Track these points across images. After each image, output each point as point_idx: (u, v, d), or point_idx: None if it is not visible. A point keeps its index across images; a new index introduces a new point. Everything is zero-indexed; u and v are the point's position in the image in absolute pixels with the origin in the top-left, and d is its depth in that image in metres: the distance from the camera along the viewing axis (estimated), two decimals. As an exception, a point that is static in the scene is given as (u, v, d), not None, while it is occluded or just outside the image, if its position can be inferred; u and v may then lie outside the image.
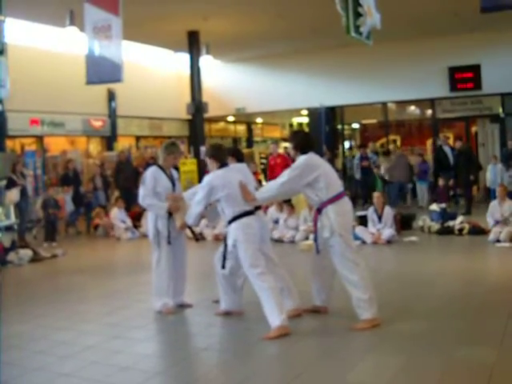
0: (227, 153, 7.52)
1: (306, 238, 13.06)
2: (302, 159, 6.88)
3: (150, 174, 7.90)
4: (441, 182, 17.17)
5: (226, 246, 6.96)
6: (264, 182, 19.45)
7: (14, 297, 9.52)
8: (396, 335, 6.40)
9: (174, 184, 8.02)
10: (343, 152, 24.73)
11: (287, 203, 13.98)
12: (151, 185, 7.84)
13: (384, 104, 23.54)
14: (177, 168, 19.02)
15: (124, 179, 17.81)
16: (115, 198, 17.20)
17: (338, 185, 6.92)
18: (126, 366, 5.86)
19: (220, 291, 7.43)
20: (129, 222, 15.98)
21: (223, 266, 7.06)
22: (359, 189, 21.40)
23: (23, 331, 7.28)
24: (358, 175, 20.95)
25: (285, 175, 6.80)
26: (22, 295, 9.54)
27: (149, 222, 8.07)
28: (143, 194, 7.85)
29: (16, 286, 10.57)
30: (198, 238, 8.39)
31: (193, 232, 8.31)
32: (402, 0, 16.12)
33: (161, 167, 8.01)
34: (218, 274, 7.29)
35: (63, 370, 5.83)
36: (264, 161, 25.16)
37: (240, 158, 7.83)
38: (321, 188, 6.74)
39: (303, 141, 7.04)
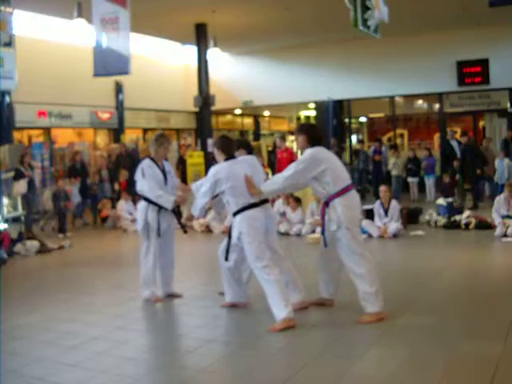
0: (236, 145, 7.53)
1: (313, 231, 13.07)
2: (308, 152, 6.87)
3: (147, 167, 7.97)
4: (445, 177, 17.13)
5: (230, 238, 6.97)
6: (271, 175, 19.44)
7: (21, 288, 9.58)
8: (401, 329, 6.41)
9: (165, 176, 8.09)
10: (350, 145, 24.69)
11: (293, 197, 13.98)
12: (152, 176, 7.92)
13: (391, 98, 23.50)
14: (183, 161, 19.15)
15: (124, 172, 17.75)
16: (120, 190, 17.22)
17: (345, 178, 6.90)
18: (132, 357, 5.88)
19: (224, 284, 7.45)
20: (135, 214, 15.97)
21: (227, 259, 7.07)
22: (368, 182, 21.43)
23: (30, 322, 7.31)
24: (370, 168, 20.96)
25: (291, 168, 6.78)
26: (28, 286, 9.58)
27: (139, 214, 8.15)
28: (149, 186, 7.88)
29: (23, 277, 10.62)
30: (186, 230, 8.42)
31: (181, 223, 8.33)
32: (410, -7, 16.10)
33: (153, 160, 8.07)
34: (222, 266, 7.31)
35: (69, 360, 5.86)
36: (271, 154, 25.14)
37: (250, 150, 7.84)
38: (328, 181, 6.72)
39: (311, 134, 7.03)
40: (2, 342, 6.46)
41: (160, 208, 7.90)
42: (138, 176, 8.04)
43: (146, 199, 7.99)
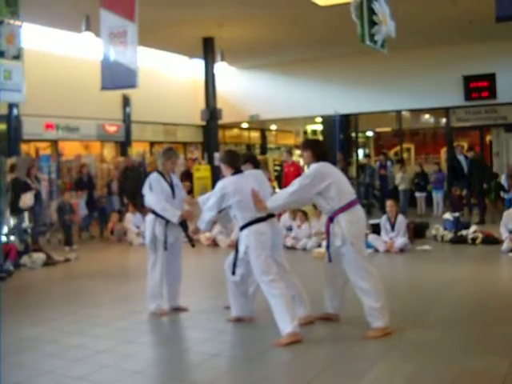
0: (242, 159, 7.55)
1: (319, 246, 13.06)
2: (312, 168, 6.87)
3: (155, 180, 8.04)
4: (455, 190, 17.12)
5: (237, 252, 6.98)
6: (277, 190, 19.45)
7: (27, 300, 9.58)
8: (407, 344, 6.39)
9: (173, 190, 8.15)
10: (357, 160, 24.68)
11: (300, 211, 13.98)
12: (159, 190, 7.98)
13: (398, 112, 23.52)
14: (189, 174, 19.16)
15: (130, 185, 17.76)
16: (127, 204, 17.23)
17: (349, 193, 6.90)
18: (138, 371, 5.87)
19: (230, 298, 7.44)
20: (143, 227, 16.00)
21: (233, 273, 7.07)
22: (375, 197, 21.37)
23: (35, 334, 7.31)
24: (377, 183, 20.88)
25: (295, 184, 6.78)
26: (34, 299, 9.59)
27: (146, 227, 8.21)
28: (156, 199, 7.94)
29: (29, 289, 10.62)
30: (194, 244, 8.45)
31: (188, 237, 8.34)
32: (416, 8, 16.13)
33: (160, 173, 8.14)
34: (228, 280, 7.30)
35: (75, 373, 5.85)
36: (278, 168, 25.17)
37: (256, 164, 7.85)
38: (332, 196, 6.72)
39: (316, 149, 7.03)
40: (8, 354, 6.45)
41: (167, 221, 7.95)
42: (145, 189, 8.08)
43: (154, 212, 8.03)
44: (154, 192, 7.97)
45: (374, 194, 21.46)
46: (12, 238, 12.60)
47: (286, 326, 6.44)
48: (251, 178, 7.17)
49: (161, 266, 8.05)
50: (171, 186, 8.15)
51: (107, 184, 18.47)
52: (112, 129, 21.71)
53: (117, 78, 10.83)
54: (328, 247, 6.95)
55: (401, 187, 20.05)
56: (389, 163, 21.15)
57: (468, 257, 12.31)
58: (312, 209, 13.65)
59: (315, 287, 8.03)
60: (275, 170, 25.45)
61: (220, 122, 21.14)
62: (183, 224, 8.16)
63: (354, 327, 6.96)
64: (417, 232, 14.17)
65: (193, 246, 8.43)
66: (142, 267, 8.46)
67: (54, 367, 6.06)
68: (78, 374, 5.81)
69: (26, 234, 13.48)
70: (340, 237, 6.65)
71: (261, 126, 29.72)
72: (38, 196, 14.91)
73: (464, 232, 13.60)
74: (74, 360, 6.27)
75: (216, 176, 17.94)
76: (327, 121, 24.28)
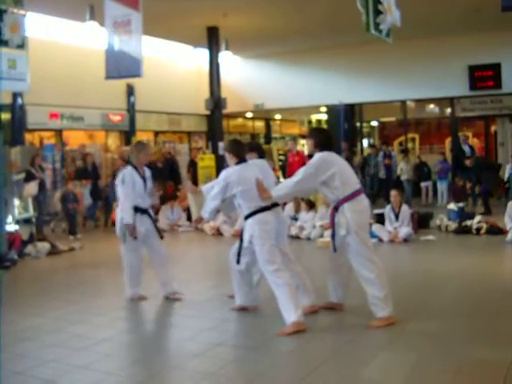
0: (247, 148, 7.54)
1: (321, 236, 13.04)
2: (317, 157, 6.85)
3: (128, 174, 8.25)
4: (458, 180, 17.08)
5: (241, 241, 6.97)
6: (282, 179, 19.42)
7: (31, 289, 9.61)
8: (411, 334, 6.39)
9: (145, 183, 8.39)
10: (361, 150, 24.65)
11: (305, 200, 13.97)
12: (131, 184, 8.19)
13: (403, 102, 23.46)
14: (194, 164, 19.12)
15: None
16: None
17: (354, 182, 6.88)
18: (141, 360, 5.89)
19: (235, 287, 7.44)
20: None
21: (238, 262, 7.07)
22: (378, 187, 21.30)
23: (39, 323, 7.33)
24: (382, 173, 20.81)
25: (300, 173, 6.76)
26: (38, 288, 9.61)
27: (116, 218, 8.46)
28: (125, 193, 8.17)
29: (33, 278, 10.65)
30: (163, 235, 8.61)
31: (157, 229, 8.61)
32: (422, -3, 16.07)
33: (134, 167, 8.34)
34: (233, 269, 7.30)
35: (78, 362, 5.86)
36: (282, 157, 25.15)
37: (261, 153, 7.85)
38: (336, 186, 6.70)
39: (320, 138, 7.01)
40: (11, 344, 6.46)
41: (136, 212, 8.19)
42: (118, 181, 8.32)
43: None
44: (125, 186, 8.16)
45: (378, 184, 21.35)
46: (16, 227, 12.61)
47: (290, 315, 6.44)
48: (255, 167, 7.17)
49: (131, 254, 8.31)
50: (144, 178, 8.37)
51: (113, 173, 18.45)
52: (116, 118, 21.69)
53: (121, 67, 10.84)
54: (333, 237, 6.94)
55: (403, 177, 20.01)
56: (393, 153, 21.09)
57: (472, 247, 12.29)
58: (322, 197, 13.61)
59: (319, 277, 8.03)
60: (279, 160, 25.40)
61: (224, 111, 21.08)
62: (151, 215, 8.52)
63: (358, 317, 6.96)
64: (421, 222, 14.14)
65: (161, 237, 8.58)
66: (144, 256, 8.47)
67: (56, 356, 6.07)
68: (81, 363, 5.82)
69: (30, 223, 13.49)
70: (344, 226, 6.64)
71: (265, 116, 29.66)
72: (42, 185, 14.91)
73: (468, 222, 13.57)
74: (76, 349, 6.28)
75: (220, 165, 17.90)
76: (332, 110, 24.21)
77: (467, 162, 17.94)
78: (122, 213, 8.17)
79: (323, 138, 7.02)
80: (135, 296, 8.32)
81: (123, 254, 8.39)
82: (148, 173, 8.57)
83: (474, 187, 17.89)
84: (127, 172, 8.26)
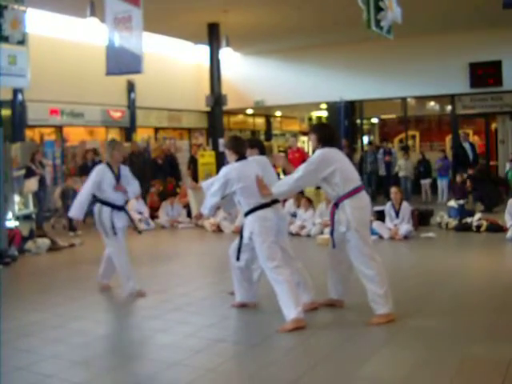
0: (249, 144, 7.54)
1: (321, 233, 13.05)
2: (317, 154, 6.84)
3: (96, 171, 8.44)
4: (458, 178, 17.06)
5: (241, 238, 6.97)
6: (282, 176, 19.43)
7: (31, 285, 9.61)
8: (411, 331, 6.40)
9: (117, 181, 8.51)
10: (362, 147, 24.64)
11: (304, 197, 13.98)
12: (95, 181, 8.35)
13: (403, 99, 23.44)
14: (194, 160, 19.13)
15: (136, 170, 17.73)
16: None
17: (355, 179, 6.88)
18: (141, 356, 5.90)
19: (235, 283, 7.44)
20: (146, 213, 16.04)
21: (238, 258, 7.07)
22: (377, 184, 21.25)
23: (40, 319, 7.33)
24: (382, 170, 20.76)
25: (300, 170, 6.75)
26: (39, 284, 9.61)
27: (95, 215, 8.61)
28: (86, 189, 8.43)
29: (33, 274, 10.65)
30: (140, 231, 8.78)
31: (134, 224, 8.92)
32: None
33: (108, 164, 8.50)
34: (233, 266, 7.30)
35: (79, 357, 5.87)
36: (282, 154, 25.16)
37: (262, 150, 7.85)
38: (337, 183, 6.70)
39: (321, 134, 7.01)
40: (13, 339, 6.48)
41: (113, 208, 8.40)
42: (89, 177, 8.49)
43: (100, 200, 8.48)
44: (90, 181, 8.36)
45: (376, 182, 21.28)
46: (16, 223, 12.62)
47: (291, 311, 6.45)
48: (255, 163, 7.17)
49: (117, 250, 8.44)
50: (118, 177, 8.49)
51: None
52: (117, 114, 21.71)
53: (122, 63, 10.83)
54: (332, 233, 6.94)
55: (401, 174, 19.99)
56: (393, 150, 21.05)
57: (472, 244, 12.30)
58: (322, 194, 13.60)
59: (319, 273, 8.03)
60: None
61: (225, 107, 21.09)
62: (127, 211, 8.70)
63: (358, 313, 6.97)
64: (421, 219, 14.14)
65: (139, 232, 8.82)
66: (145, 253, 8.51)
67: (58, 352, 6.07)
68: (82, 359, 5.83)
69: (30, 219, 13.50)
70: (345, 223, 6.65)
71: (266, 112, 29.69)
72: (42, 181, 14.92)
73: (469, 219, 13.57)
74: (77, 345, 6.29)
75: (221, 162, 17.93)
76: (332, 107, 24.25)
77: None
78: (75, 203, 8.49)
79: (326, 134, 7.02)
80: (134, 290, 8.33)
81: (111, 252, 8.52)
82: (124, 171, 8.69)
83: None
84: (98, 168, 8.48)
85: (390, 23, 8.98)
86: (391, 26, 9.14)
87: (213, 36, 19.95)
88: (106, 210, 8.39)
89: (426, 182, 20.42)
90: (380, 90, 22.73)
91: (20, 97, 17.78)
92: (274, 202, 7.04)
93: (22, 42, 9.70)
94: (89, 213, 17.13)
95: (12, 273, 10.68)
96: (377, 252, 6.86)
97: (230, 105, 21.60)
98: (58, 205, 16.21)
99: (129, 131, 22.07)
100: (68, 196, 15.47)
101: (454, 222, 13.70)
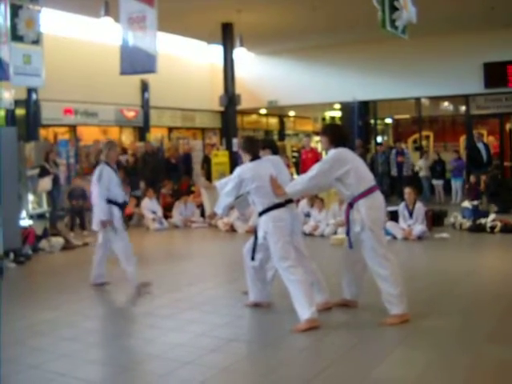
0: (260, 145, 7.54)
1: (335, 233, 13.03)
2: (331, 153, 6.84)
3: (106, 173, 8.65)
4: (472, 179, 17.00)
5: (256, 237, 6.97)
6: (295, 176, 19.41)
7: (45, 284, 9.64)
8: (425, 331, 6.38)
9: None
10: (375, 147, 24.56)
11: (317, 197, 13.96)
12: (107, 182, 8.59)
13: (417, 99, 23.34)
14: (208, 160, 19.14)
15: (151, 170, 17.83)
16: (145, 189, 17.23)
17: (369, 179, 6.86)
18: (156, 355, 5.89)
19: (248, 283, 7.44)
20: (159, 213, 16.05)
21: (253, 258, 7.07)
22: (389, 184, 21.12)
23: (52, 318, 7.36)
24: (394, 171, 20.64)
25: (314, 169, 6.74)
26: (52, 282, 9.64)
27: (94, 214, 8.86)
28: (99, 192, 8.61)
29: (47, 273, 10.68)
30: (127, 227, 9.50)
31: (125, 223, 9.41)
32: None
33: (108, 164, 8.76)
34: (247, 265, 7.30)
35: (92, 356, 5.89)
36: (296, 154, 25.14)
37: (275, 150, 7.85)
38: (351, 183, 6.69)
39: (334, 134, 7.00)
40: (26, 338, 6.50)
41: (115, 206, 8.70)
42: (94, 179, 8.67)
43: (108, 200, 8.70)
44: (100, 183, 8.55)
45: (388, 182, 21.13)
46: (30, 222, 12.66)
47: (304, 311, 6.44)
48: (269, 163, 7.17)
49: (126, 243, 8.86)
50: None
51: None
52: (130, 114, 21.75)
53: (136, 63, 10.84)
54: (348, 233, 6.93)
55: (421, 174, 19.95)
56: (406, 150, 20.95)
57: (486, 245, 12.26)
58: (334, 195, 13.57)
59: (333, 273, 8.02)
60: (293, 157, 25.40)
61: (238, 107, 21.05)
62: (123, 209, 8.98)
63: (372, 314, 6.96)
64: (435, 220, 14.09)
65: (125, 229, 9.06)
66: (158, 252, 8.53)
67: (71, 351, 6.09)
68: (96, 358, 5.85)
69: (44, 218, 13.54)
70: (359, 223, 6.63)
71: (279, 112, 29.66)
72: (56, 181, 14.96)
73: (483, 220, 13.51)
74: (91, 344, 6.31)
75: (234, 162, 17.93)
76: (346, 107, 24.18)
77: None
78: (98, 210, 8.63)
79: (338, 135, 7.01)
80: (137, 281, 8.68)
81: (120, 247, 8.80)
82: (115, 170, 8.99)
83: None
84: (104, 169, 8.65)
85: (404, 23, 8.94)
86: (406, 26, 9.10)
87: (226, 36, 19.94)
88: (115, 208, 8.65)
89: (438, 183, 20.35)
90: (394, 90, 22.65)
91: (34, 96, 17.85)
92: (288, 201, 7.04)
93: (36, 41, 9.74)
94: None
95: (26, 271, 10.71)
96: (391, 252, 6.84)
97: (244, 105, 21.57)
98: (66, 204, 16.19)
99: (142, 131, 22.11)
100: (73, 195, 15.46)
101: (467, 223, 13.65)
